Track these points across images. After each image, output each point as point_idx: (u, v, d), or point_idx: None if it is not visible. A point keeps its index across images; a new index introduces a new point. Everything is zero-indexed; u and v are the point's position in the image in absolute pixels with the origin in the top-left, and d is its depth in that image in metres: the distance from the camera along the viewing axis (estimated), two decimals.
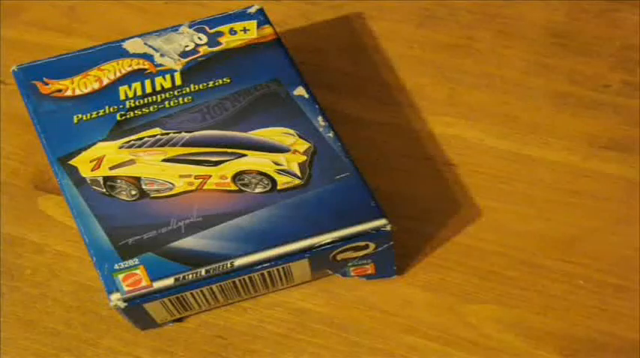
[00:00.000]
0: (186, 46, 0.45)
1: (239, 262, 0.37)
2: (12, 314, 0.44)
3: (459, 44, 0.53)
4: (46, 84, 0.44)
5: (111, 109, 0.43)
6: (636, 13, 0.54)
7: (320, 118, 0.42)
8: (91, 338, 0.43)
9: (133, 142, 0.42)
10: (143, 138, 0.42)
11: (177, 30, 0.45)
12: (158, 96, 0.43)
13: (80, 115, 0.43)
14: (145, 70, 0.44)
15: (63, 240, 0.47)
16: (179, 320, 0.42)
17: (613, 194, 0.46)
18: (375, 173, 0.46)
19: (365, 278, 0.43)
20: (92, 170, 0.41)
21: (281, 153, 0.41)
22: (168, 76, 0.44)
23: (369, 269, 0.42)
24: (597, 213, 0.46)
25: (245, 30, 0.46)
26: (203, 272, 0.38)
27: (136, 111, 0.43)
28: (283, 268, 0.39)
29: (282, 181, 0.40)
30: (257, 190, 0.40)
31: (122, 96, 0.43)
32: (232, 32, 0.45)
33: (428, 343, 0.42)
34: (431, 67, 0.52)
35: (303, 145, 0.41)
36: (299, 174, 0.40)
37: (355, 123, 0.50)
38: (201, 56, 0.44)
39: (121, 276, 0.37)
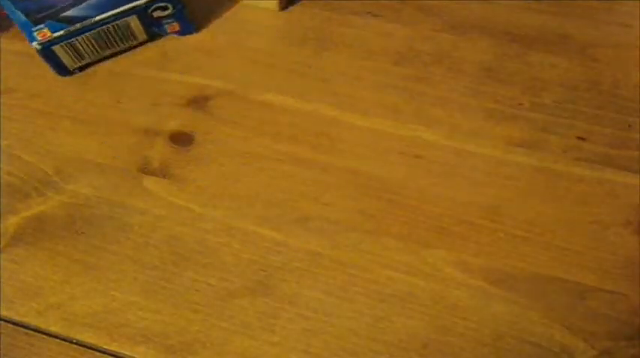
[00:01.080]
0: None
1: (97, 18, 0.50)
2: (125, 256, 0.45)
3: (422, 76, 0.53)
4: None
5: None
6: (539, 56, 0.54)
7: None
8: (177, 271, 0.44)
9: None
10: None
11: None
12: None
13: None
14: None
15: (158, 206, 0.47)
16: (83, 68, 0.53)
17: (522, 176, 0.48)
18: None
19: (176, 34, 0.55)
20: None
21: None
22: None
23: (176, 26, 0.54)
24: (512, 188, 0.48)
25: None
26: (78, 26, 0.50)
27: None
28: (124, 21, 0.51)
29: None
30: None
31: None
32: None
33: (399, 274, 0.44)
34: (403, 90, 0.53)
35: None
36: None
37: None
38: None
39: (36, 33, 0.49)
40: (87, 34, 0.51)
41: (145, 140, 0.51)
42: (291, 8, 0.58)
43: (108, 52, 0.53)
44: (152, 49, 0.56)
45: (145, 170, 0.49)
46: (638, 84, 0.52)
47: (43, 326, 0.43)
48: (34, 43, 0.49)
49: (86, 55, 0.52)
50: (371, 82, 0.53)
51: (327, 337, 0.42)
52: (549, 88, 0.52)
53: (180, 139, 0.51)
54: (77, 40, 0.51)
